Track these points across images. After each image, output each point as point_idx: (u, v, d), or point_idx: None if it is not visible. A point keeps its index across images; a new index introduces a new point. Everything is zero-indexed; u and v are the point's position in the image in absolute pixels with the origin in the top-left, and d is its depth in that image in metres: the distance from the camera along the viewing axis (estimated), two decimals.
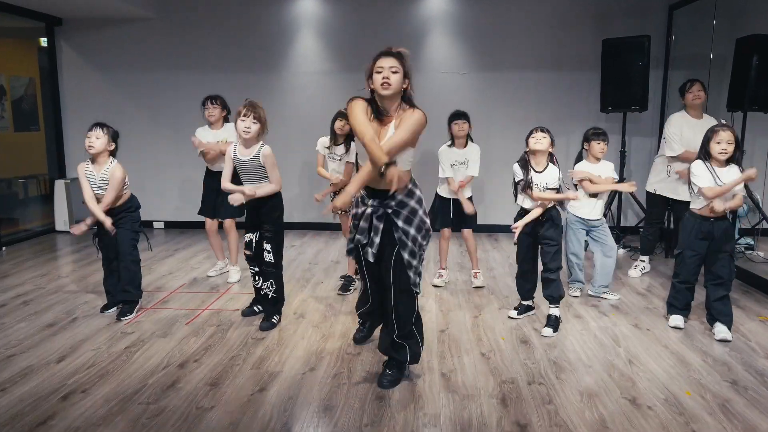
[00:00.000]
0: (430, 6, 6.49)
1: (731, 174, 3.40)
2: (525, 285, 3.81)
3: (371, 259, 2.77)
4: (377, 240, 2.73)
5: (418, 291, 2.83)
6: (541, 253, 3.68)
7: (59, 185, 6.68)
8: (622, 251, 5.78)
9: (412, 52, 6.98)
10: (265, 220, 3.64)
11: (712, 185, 3.39)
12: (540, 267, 3.71)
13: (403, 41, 6.38)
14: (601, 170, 4.16)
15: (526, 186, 3.59)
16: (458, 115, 4.38)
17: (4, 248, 5.90)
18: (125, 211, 3.79)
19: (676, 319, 3.67)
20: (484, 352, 3.29)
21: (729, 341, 3.42)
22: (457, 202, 4.43)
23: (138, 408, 2.64)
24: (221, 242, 4.91)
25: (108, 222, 3.66)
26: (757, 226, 5.47)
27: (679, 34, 6.23)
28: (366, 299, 3.13)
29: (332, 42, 6.61)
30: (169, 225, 7.05)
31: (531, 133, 3.66)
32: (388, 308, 2.85)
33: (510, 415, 2.58)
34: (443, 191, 4.50)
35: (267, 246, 3.64)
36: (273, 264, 3.66)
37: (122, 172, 3.71)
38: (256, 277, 3.78)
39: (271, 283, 3.69)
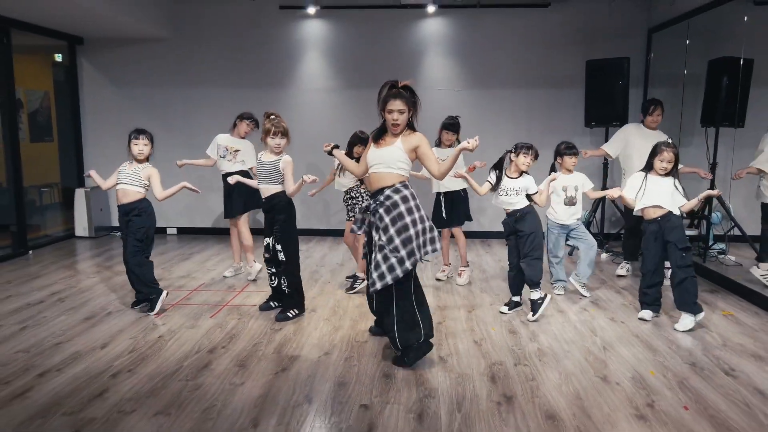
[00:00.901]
0: (428, 28, 7.00)
1: (666, 183, 3.97)
2: (515, 279, 4.24)
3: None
4: (364, 227, 3.41)
5: (396, 273, 3.15)
6: (518, 244, 4.12)
7: (79, 193, 7.11)
8: (605, 255, 6.24)
9: (412, 70, 7.44)
10: (275, 222, 4.08)
11: (632, 195, 4.10)
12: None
13: (402, 61, 6.98)
14: (577, 181, 4.62)
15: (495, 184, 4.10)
16: (450, 128, 4.89)
17: (30, 252, 6.32)
18: (134, 214, 4.12)
19: (644, 313, 4.12)
20: (476, 340, 3.74)
21: (688, 330, 3.87)
22: (448, 197, 4.92)
23: (179, 384, 3.07)
24: (239, 245, 5.32)
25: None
26: (728, 233, 5.92)
27: (657, 55, 6.73)
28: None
29: (336, 60, 7.09)
30: (182, 231, 7.49)
31: (524, 150, 4.01)
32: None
33: (498, 389, 3.02)
34: (434, 187, 4.99)
35: (277, 246, 4.07)
36: (284, 262, 4.07)
37: (156, 171, 4.24)
38: (273, 277, 4.20)
39: (283, 279, 4.11)
